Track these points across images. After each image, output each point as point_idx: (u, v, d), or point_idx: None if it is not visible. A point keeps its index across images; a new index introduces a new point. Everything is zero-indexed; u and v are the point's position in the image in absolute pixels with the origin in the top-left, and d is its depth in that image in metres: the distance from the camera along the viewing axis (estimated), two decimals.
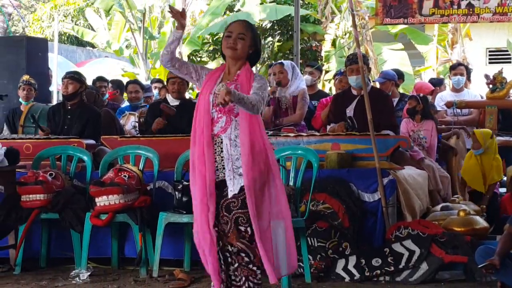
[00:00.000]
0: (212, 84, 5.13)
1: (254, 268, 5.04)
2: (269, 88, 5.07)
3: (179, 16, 5.07)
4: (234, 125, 5.04)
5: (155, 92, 11.76)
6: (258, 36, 5.29)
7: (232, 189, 5.03)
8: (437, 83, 11.43)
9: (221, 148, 5.06)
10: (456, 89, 9.98)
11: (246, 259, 5.03)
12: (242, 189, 4.99)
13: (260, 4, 20.35)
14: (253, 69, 5.36)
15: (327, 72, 18.52)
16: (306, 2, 20.56)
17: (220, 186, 5.09)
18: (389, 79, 9.35)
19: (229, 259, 5.06)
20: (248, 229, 5.00)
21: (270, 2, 20.50)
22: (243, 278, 5.05)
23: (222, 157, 5.07)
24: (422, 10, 8.83)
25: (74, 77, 8.43)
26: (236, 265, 5.05)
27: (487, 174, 8.38)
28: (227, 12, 21.43)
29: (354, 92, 7.88)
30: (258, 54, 5.28)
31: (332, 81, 14.32)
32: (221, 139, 5.06)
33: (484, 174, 8.38)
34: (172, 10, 5.10)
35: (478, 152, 8.39)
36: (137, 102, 10.62)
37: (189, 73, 5.23)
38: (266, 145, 5.07)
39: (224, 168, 5.07)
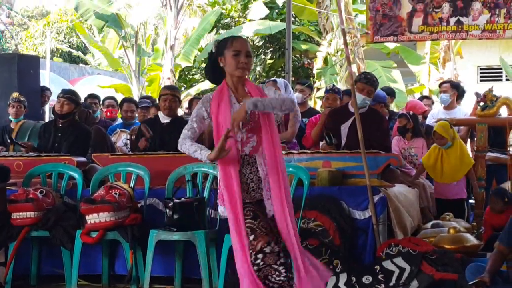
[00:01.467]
0: (229, 105, 4.97)
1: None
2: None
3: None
4: (252, 143, 5.00)
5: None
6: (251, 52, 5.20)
7: (271, 209, 4.97)
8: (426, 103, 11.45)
9: (256, 168, 4.99)
10: (447, 107, 10.01)
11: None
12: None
13: (253, 20, 20.41)
14: None
15: (318, 89, 18.57)
16: (298, 20, 20.63)
17: (259, 205, 5.01)
18: (379, 101, 9.36)
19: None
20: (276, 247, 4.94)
21: (262, 19, 20.56)
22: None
23: (258, 177, 4.99)
24: (412, 28, 8.84)
25: (72, 99, 8.45)
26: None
27: (453, 167, 8.37)
28: (219, 31, 21.46)
29: (352, 109, 7.88)
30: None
31: None
32: (255, 159, 5.00)
33: (448, 167, 8.38)
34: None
35: (447, 146, 8.38)
36: (131, 121, 10.61)
37: (204, 127, 5.11)
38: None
39: (259, 188, 4.99)
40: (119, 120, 11.33)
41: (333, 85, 10.42)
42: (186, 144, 4.99)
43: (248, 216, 4.90)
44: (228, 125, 4.83)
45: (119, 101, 11.54)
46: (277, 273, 4.90)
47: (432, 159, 8.39)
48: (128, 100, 11.48)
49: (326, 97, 9.15)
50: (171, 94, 8.12)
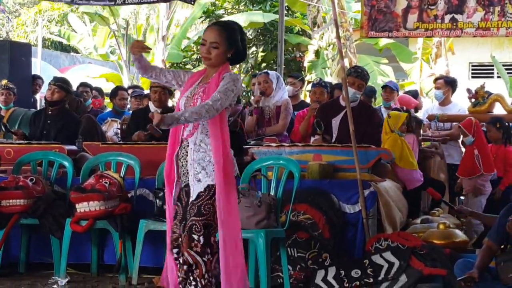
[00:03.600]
0: (187, 88, 5.09)
1: (194, 282, 4.96)
2: (238, 86, 4.95)
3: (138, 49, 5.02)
4: (201, 129, 4.99)
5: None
6: (237, 35, 5.10)
7: (192, 195, 4.99)
8: (413, 95, 11.47)
9: (187, 152, 5.03)
10: (442, 103, 10.00)
11: (186, 270, 4.96)
12: (199, 195, 4.95)
13: (246, 11, 20.40)
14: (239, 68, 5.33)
15: (309, 82, 18.57)
16: (291, 12, 20.62)
17: (187, 191, 5.07)
18: (398, 90, 9.43)
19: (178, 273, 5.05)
20: (201, 238, 4.91)
21: (255, 10, 20.55)
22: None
23: (187, 161, 5.03)
24: (407, 24, 8.88)
25: (63, 87, 8.43)
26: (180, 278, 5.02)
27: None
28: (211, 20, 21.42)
29: (343, 103, 7.86)
30: (240, 53, 5.12)
31: None
32: (188, 143, 5.03)
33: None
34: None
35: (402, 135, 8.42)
36: (123, 109, 10.59)
37: (168, 81, 5.17)
38: (230, 154, 5.03)
39: (188, 173, 5.03)
40: (108, 109, 11.31)
41: (320, 79, 10.43)
42: None
43: (173, 213, 5.08)
44: (178, 103, 5.04)
45: (105, 91, 11.53)
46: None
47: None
48: (121, 88, 11.46)
49: (313, 91, 9.14)
50: (161, 86, 8.10)
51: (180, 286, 5.02)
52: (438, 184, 8.66)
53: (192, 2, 9.06)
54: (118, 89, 11.14)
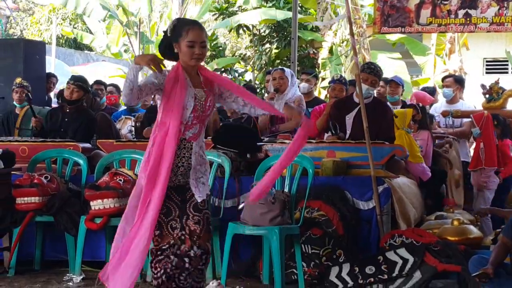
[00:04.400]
0: (185, 86, 4.99)
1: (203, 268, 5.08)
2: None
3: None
4: (202, 135, 5.10)
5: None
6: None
7: (200, 195, 5.02)
8: (431, 92, 11.46)
9: (190, 155, 5.02)
10: (451, 101, 9.99)
11: (204, 260, 5.04)
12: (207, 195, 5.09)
13: (259, 7, 20.38)
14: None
15: (323, 79, 18.53)
16: (304, 9, 20.57)
17: (180, 190, 5.06)
18: (403, 85, 9.44)
19: (187, 265, 4.99)
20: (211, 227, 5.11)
21: (269, 7, 20.51)
22: (190, 281, 5.03)
23: (189, 163, 5.02)
24: (420, 19, 8.86)
25: (82, 86, 8.53)
26: (192, 269, 5.00)
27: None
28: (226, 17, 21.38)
29: (356, 99, 7.85)
30: None
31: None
32: (191, 146, 5.02)
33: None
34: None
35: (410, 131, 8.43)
36: (136, 106, 10.61)
37: (151, 92, 5.02)
38: None
39: (186, 175, 5.03)
40: (123, 107, 11.32)
41: (340, 75, 10.39)
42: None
43: (162, 211, 4.99)
44: (180, 109, 4.92)
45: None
46: (180, 277, 5.02)
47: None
48: None
49: (333, 88, 9.13)
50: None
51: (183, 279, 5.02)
52: (439, 172, 8.69)
53: None
54: None
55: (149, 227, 4.87)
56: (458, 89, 10.04)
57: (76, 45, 30.64)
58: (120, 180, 7.06)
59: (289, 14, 16.65)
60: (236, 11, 21.72)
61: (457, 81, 10.13)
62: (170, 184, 4.96)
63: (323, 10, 18.94)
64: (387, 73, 17.53)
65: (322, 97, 16.72)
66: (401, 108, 9.04)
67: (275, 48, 20.92)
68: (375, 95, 8.37)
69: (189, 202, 5.03)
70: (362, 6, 19.14)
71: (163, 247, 5.00)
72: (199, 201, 5.02)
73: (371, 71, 7.86)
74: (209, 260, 5.09)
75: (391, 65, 19.08)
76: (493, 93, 8.63)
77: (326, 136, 8.10)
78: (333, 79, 9.58)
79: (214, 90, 5.10)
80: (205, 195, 5.04)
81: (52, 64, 17.57)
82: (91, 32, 25.86)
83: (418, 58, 20.19)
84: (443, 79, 10.39)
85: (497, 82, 8.72)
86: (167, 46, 5.07)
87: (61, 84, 13.53)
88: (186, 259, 4.98)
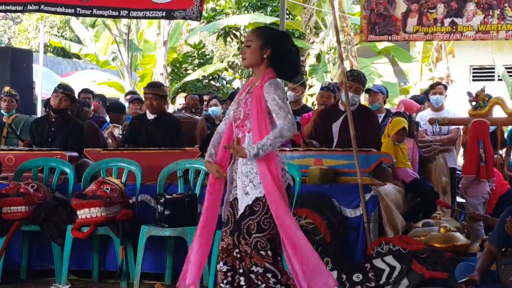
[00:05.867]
0: (238, 98, 5.06)
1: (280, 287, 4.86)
2: (281, 88, 4.90)
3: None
4: (247, 141, 4.90)
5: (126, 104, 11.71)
6: (275, 34, 5.06)
7: (240, 208, 4.92)
8: (422, 100, 11.50)
9: (238, 166, 4.96)
10: (436, 108, 10.05)
11: (273, 279, 4.82)
12: (252, 209, 4.85)
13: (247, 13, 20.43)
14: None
15: (310, 86, 18.58)
16: (292, 16, 20.65)
17: (235, 204, 5.01)
18: (383, 92, 9.45)
19: (256, 280, 4.84)
20: (269, 252, 4.83)
21: (256, 12, 20.57)
22: None
23: (237, 175, 4.96)
24: (406, 28, 8.88)
25: (70, 95, 8.48)
26: (263, 285, 4.82)
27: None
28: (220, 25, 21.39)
29: (342, 107, 7.87)
30: (280, 54, 4.96)
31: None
32: (238, 157, 4.94)
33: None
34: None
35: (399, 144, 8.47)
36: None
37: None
38: (276, 166, 4.88)
39: (237, 186, 4.97)
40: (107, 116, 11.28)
41: (329, 82, 10.41)
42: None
43: (224, 219, 5.03)
44: (229, 123, 5.01)
45: (107, 96, 11.48)
46: None
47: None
48: (112, 109, 11.22)
49: (321, 94, 9.14)
50: (151, 93, 8.13)
51: None
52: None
53: (198, 19, 9.04)
54: (108, 111, 11.00)
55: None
56: (445, 97, 10.15)
57: (64, 53, 30.61)
58: (107, 189, 7.04)
59: (277, 19, 16.69)
60: (224, 19, 21.76)
61: (445, 89, 10.25)
62: (230, 198, 5.04)
63: (309, 17, 19.00)
64: (376, 80, 17.66)
65: (310, 104, 16.76)
66: (384, 116, 9.07)
67: None
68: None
69: (248, 220, 4.91)
70: (350, 13, 19.22)
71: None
72: (239, 213, 4.92)
73: (354, 79, 7.88)
74: (280, 278, 4.87)
75: (378, 70, 19.18)
76: (479, 100, 8.63)
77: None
78: (322, 86, 9.59)
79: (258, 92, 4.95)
80: (243, 208, 4.90)
81: (39, 72, 17.51)
82: (79, 40, 25.83)
83: (404, 65, 20.30)
84: (433, 86, 10.42)
85: (483, 90, 8.72)
86: None
87: (49, 92, 13.51)
88: (252, 276, 4.87)
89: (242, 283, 4.89)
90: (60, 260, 7.15)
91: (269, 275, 4.81)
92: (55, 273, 7.21)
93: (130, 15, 9.23)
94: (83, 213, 6.94)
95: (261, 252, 4.81)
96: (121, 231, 6.96)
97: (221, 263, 4.96)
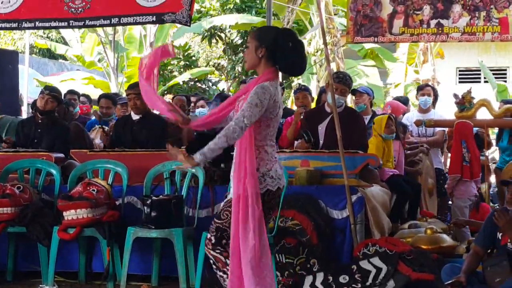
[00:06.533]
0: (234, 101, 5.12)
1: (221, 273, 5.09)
2: (263, 97, 4.88)
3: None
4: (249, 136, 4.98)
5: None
6: (271, 33, 5.05)
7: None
8: (404, 102, 11.53)
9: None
10: (423, 110, 10.07)
11: (214, 266, 5.11)
12: (226, 202, 5.08)
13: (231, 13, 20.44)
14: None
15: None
16: (277, 19, 20.65)
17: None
18: (369, 93, 9.47)
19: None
20: (212, 237, 5.04)
21: (241, 13, 20.58)
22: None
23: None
24: (392, 29, 8.91)
25: (56, 97, 8.45)
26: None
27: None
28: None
29: (328, 109, 7.88)
30: (276, 51, 4.96)
31: None
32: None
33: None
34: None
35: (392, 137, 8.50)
36: (108, 117, 10.57)
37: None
38: (253, 171, 4.93)
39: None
40: (93, 117, 11.28)
41: (299, 84, 10.43)
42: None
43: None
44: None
45: (93, 97, 11.47)
46: None
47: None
48: (105, 96, 11.40)
49: (296, 97, 9.14)
50: (134, 93, 8.11)
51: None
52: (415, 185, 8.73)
53: (188, 24, 9.12)
54: (101, 97, 11.10)
55: None
56: (432, 99, 10.17)
57: (50, 54, 30.52)
58: (94, 190, 7.03)
59: (263, 20, 16.71)
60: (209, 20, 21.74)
61: (433, 90, 10.27)
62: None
63: (288, 18, 19.01)
64: (361, 81, 17.70)
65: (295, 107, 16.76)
66: (370, 118, 9.08)
67: None
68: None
69: None
70: (337, 14, 19.24)
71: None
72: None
73: (340, 80, 7.89)
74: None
75: (363, 72, 19.22)
76: (465, 102, 8.67)
77: (296, 143, 8.11)
78: (295, 89, 9.60)
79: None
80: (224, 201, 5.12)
81: (25, 73, 17.46)
82: (65, 41, 25.75)
83: (387, 64, 20.37)
84: (422, 87, 10.42)
85: (469, 92, 8.76)
86: None
87: (34, 94, 13.48)
88: None
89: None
90: (46, 262, 7.13)
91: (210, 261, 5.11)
92: (42, 274, 7.19)
93: (121, 21, 9.32)
94: (69, 215, 6.92)
95: (207, 234, 5.08)
96: (108, 233, 6.95)
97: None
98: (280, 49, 4.96)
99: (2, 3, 8.83)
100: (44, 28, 9.41)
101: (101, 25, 10.19)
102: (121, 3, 8.93)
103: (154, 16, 8.93)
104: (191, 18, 8.90)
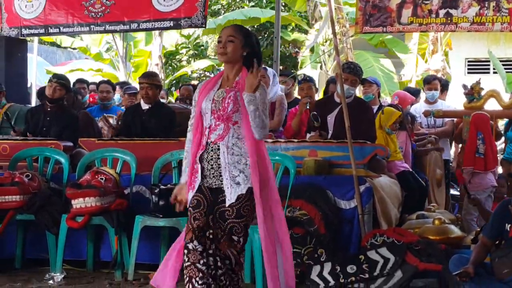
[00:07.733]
0: (208, 91, 5.09)
1: (233, 275, 5.04)
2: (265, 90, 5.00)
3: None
4: (232, 133, 4.98)
5: (117, 95, 11.73)
6: (253, 37, 5.16)
7: (229, 198, 4.97)
8: (415, 93, 11.49)
9: (218, 156, 5.00)
10: (430, 102, 10.05)
11: (229, 266, 5.01)
12: (238, 197, 4.96)
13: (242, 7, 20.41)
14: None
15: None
16: (288, 8, 20.64)
17: (214, 193, 5.05)
18: (378, 83, 9.45)
19: (219, 263, 4.99)
20: (241, 239, 5.00)
21: (252, 7, 20.53)
22: (228, 283, 5.02)
23: (219, 164, 5.00)
24: (401, 19, 8.89)
25: (64, 84, 8.46)
26: (224, 269, 4.99)
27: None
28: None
29: (337, 99, 7.86)
30: (256, 56, 5.06)
31: None
32: (218, 146, 4.99)
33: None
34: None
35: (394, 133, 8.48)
36: (107, 102, 10.57)
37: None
38: (266, 155, 5.08)
39: (220, 176, 5.01)
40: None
41: (304, 74, 10.39)
42: (186, 145, 5.21)
43: (191, 204, 5.05)
44: (198, 116, 5.07)
45: None
46: (200, 275, 4.95)
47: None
48: (105, 81, 11.37)
49: (301, 88, 9.12)
50: (147, 82, 8.15)
51: (199, 279, 4.97)
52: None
53: (204, 26, 9.34)
54: (100, 83, 11.13)
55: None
56: (441, 92, 10.15)
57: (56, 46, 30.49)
58: (102, 178, 7.05)
59: (273, 13, 16.69)
60: (219, 9, 21.72)
61: (441, 83, 10.23)
62: (206, 185, 5.06)
63: (313, 7, 18.98)
64: (373, 72, 17.64)
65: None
66: (378, 108, 9.06)
67: None
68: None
69: (218, 207, 5.02)
70: (347, 3, 19.18)
71: (186, 243, 5.03)
72: (226, 204, 4.98)
73: (350, 71, 7.87)
74: (234, 266, 5.06)
75: (376, 64, 19.15)
76: (474, 93, 8.64)
77: (308, 135, 8.10)
78: (299, 80, 9.58)
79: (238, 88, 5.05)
80: (235, 198, 4.96)
81: (34, 61, 17.44)
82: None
83: (400, 55, 20.29)
84: (429, 81, 10.35)
85: (478, 82, 8.73)
86: None
87: (43, 82, 13.49)
88: (218, 258, 5.01)
89: (211, 263, 4.98)
90: (54, 250, 7.16)
91: (227, 261, 5.00)
92: (50, 262, 7.22)
93: (140, 27, 9.78)
94: (77, 203, 6.95)
95: (233, 237, 4.98)
96: (116, 221, 6.97)
97: (195, 242, 4.97)
98: (257, 57, 5.07)
99: (26, 7, 9.06)
100: (68, 33, 9.85)
101: (121, 30, 10.67)
102: (139, 7, 9.33)
103: (172, 22, 9.43)
104: (206, 18, 9.27)
